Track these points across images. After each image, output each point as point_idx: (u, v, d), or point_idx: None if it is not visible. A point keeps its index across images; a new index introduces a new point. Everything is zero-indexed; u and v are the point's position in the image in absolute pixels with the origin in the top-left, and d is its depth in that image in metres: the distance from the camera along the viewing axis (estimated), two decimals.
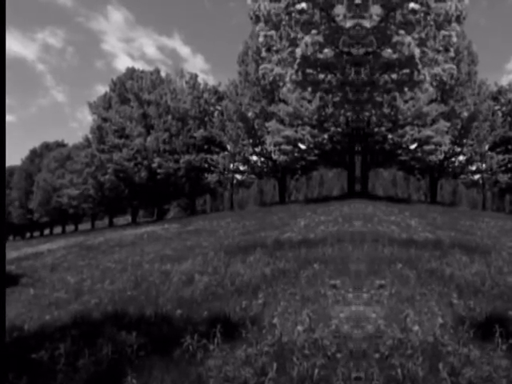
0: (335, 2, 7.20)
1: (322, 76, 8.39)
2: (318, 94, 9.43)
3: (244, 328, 5.43)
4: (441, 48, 8.58)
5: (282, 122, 30.23)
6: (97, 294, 9.73)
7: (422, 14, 7.14)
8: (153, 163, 43.77)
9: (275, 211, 26.72)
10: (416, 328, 4.95)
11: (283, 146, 30.10)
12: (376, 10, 6.48)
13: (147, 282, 9.85)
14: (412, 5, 6.95)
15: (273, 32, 8.28)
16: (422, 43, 7.51)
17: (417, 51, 7.07)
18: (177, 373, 4.55)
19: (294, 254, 10.74)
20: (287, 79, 8.51)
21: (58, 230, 77.69)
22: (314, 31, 7.52)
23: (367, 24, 6.54)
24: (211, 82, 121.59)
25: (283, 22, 7.99)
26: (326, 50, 7.74)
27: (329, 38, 7.57)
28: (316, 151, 31.39)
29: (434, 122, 28.33)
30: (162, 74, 52.00)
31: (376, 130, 27.32)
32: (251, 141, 36.18)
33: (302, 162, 32.82)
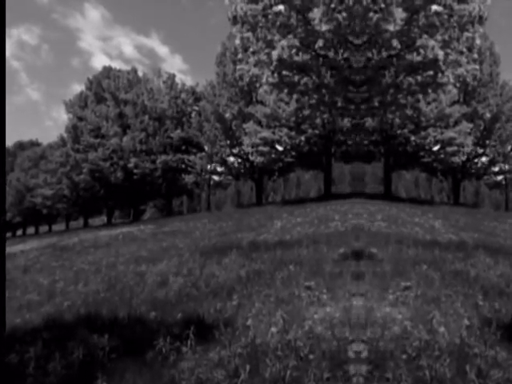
0: (312, 6, 7.20)
1: (297, 78, 8.42)
2: (295, 96, 9.45)
3: (218, 330, 5.41)
4: (464, 49, 8.62)
5: (259, 123, 30.31)
6: (70, 295, 9.59)
7: (446, 16, 7.19)
8: (129, 163, 43.39)
9: (252, 212, 26.74)
10: (442, 329, 4.92)
11: (260, 148, 30.18)
12: (400, 13, 6.51)
13: (121, 284, 9.75)
14: (435, 7, 6.98)
15: (249, 34, 8.28)
16: (445, 45, 7.55)
17: (440, 53, 7.12)
18: (149, 375, 4.52)
19: (269, 255, 10.77)
20: (264, 81, 8.52)
21: (31, 230, 76.29)
22: (290, 35, 7.54)
23: (391, 28, 6.58)
24: (189, 82, 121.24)
25: (260, 24, 7.99)
26: (301, 53, 7.77)
27: (304, 40, 7.60)
28: (293, 153, 31.56)
29: (456, 123, 28.45)
30: (140, 73, 51.70)
31: (399, 132, 27.38)
32: (228, 142, 36.17)
33: (279, 163, 32.93)
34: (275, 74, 8.02)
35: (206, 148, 39.51)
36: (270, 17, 7.78)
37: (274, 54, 7.43)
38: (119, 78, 49.35)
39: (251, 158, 32.79)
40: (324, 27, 6.91)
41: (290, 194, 55.22)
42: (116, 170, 44.82)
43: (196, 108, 45.03)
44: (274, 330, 5.27)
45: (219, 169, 40.73)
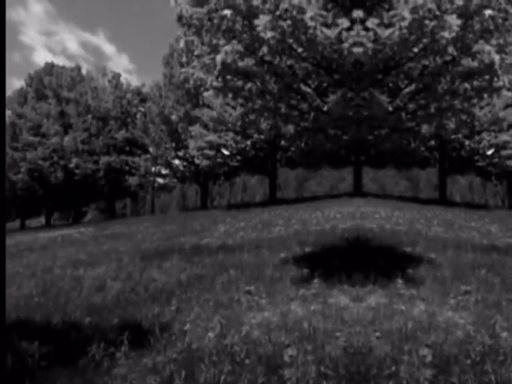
0: (258, 12, 7.24)
1: (242, 83, 8.45)
2: (239, 101, 9.46)
3: (154, 335, 5.34)
4: None
5: (205, 126, 30.18)
6: None
7: (500, 20, 7.28)
8: (70, 163, 42.07)
9: (196, 216, 26.61)
10: (505, 334, 4.95)
11: (206, 151, 30.06)
12: (454, 20, 6.55)
13: (57, 288, 9.43)
14: (489, 12, 7.05)
15: (194, 37, 8.23)
16: (500, 49, 7.63)
17: (497, 58, 7.20)
18: (81, 383, 4.39)
19: (211, 259, 10.75)
20: (208, 85, 8.48)
21: None
22: (234, 40, 7.55)
23: (447, 34, 6.61)
24: (136, 82, 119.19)
25: (205, 28, 7.97)
26: (246, 59, 7.78)
27: (249, 46, 7.63)
28: (239, 157, 31.63)
29: (510, 126, 28.52)
30: (84, 71, 50.29)
31: (453, 137, 27.43)
32: (174, 144, 35.81)
33: (224, 167, 32.91)
34: (219, 79, 8.00)
35: (151, 150, 38.97)
36: (215, 21, 7.76)
37: (218, 58, 7.41)
38: (62, 75, 47.78)
39: (196, 161, 32.61)
40: (269, 34, 6.93)
41: (235, 199, 55.24)
42: (56, 170, 43.33)
43: (141, 109, 44.33)
44: (211, 334, 5.27)
45: (164, 171, 40.28)
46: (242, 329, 5.32)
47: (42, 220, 61.20)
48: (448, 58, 7.62)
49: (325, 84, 9.69)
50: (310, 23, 6.63)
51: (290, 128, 11.25)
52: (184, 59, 9.05)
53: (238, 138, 29.19)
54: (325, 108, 8.97)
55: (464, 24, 6.88)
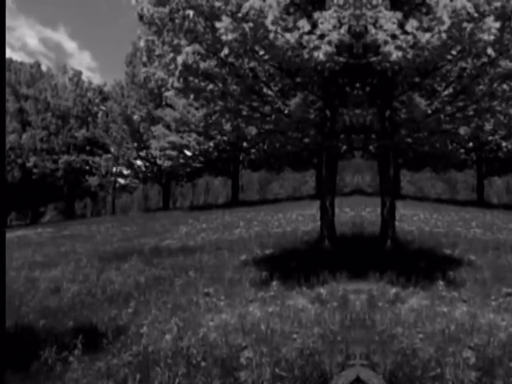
0: (220, 14, 7.22)
1: (203, 85, 8.41)
2: (201, 102, 9.43)
3: (109, 338, 5.25)
4: None
5: (168, 127, 29.93)
6: None
7: None
8: (28, 162, 40.89)
9: (158, 217, 26.36)
10: None
11: (168, 152, 29.82)
12: (492, 22, 6.53)
13: (11, 291, 9.14)
14: None
15: (155, 37, 8.14)
16: None
17: None
18: None
19: (171, 261, 10.66)
20: (169, 85, 8.42)
21: None
22: (196, 41, 7.51)
23: (485, 37, 6.59)
24: (98, 80, 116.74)
25: (167, 28, 7.89)
26: (207, 60, 7.76)
27: (211, 48, 7.61)
28: (201, 158, 31.52)
29: None
30: (43, 67, 49.00)
31: (490, 138, 27.17)
32: (136, 144, 35.36)
33: (187, 168, 32.73)
34: (181, 80, 7.95)
35: (112, 150, 38.37)
36: (176, 21, 7.70)
37: (179, 59, 7.35)
38: (21, 72, 46.44)
39: (159, 161, 32.34)
40: (230, 36, 6.93)
41: (198, 200, 55.04)
42: (13, 169, 42.02)
43: (103, 108, 43.56)
44: (168, 337, 5.21)
45: (125, 172, 39.74)
46: (199, 331, 5.28)
47: None
48: (486, 60, 7.71)
49: (287, 87, 9.79)
50: (271, 27, 6.67)
51: (252, 130, 11.26)
52: (144, 58, 8.91)
53: (201, 139, 29.08)
54: (286, 111, 9.04)
55: (502, 26, 6.90)
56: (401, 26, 6.96)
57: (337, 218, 10.49)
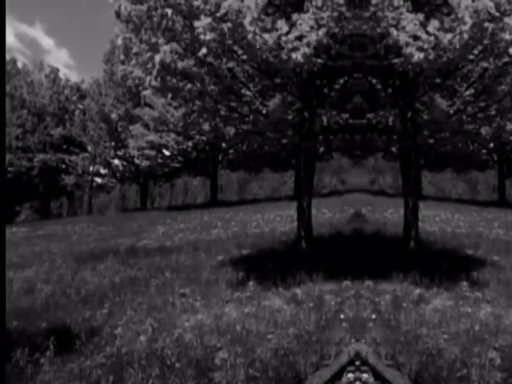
0: (198, 13, 7.19)
1: (181, 84, 8.36)
2: (178, 102, 9.38)
3: (83, 339, 5.18)
4: None
5: (146, 126, 29.67)
6: None
7: None
8: None
9: (135, 217, 26.13)
10: None
11: (146, 151, 29.59)
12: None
13: None
14: None
15: (132, 35, 8.07)
16: None
17: None
18: None
19: (147, 261, 10.58)
20: (147, 84, 8.35)
21: None
22: (174, 40, 7.46)
23: (507, 36, 6.56)
24: (76, 78, 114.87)
25: (144, 26, 7.82)
26: (185, 60, 7.71)
27: (189, 47, 7.57)
28: (180, 158, 31.35)
29: None
30: (19, 64, 48.09)
31: (511, 138, 27.18)
32: (113, 143, 35.01)
33: (165, 168, 32.53)
34: (158, 78, 7.88)
35: (89, 148, 37.93)
36: (154, 19, 7.64)
37: (157, 58, 7.30)
38: None
39: (137, 161, 32.05)
40: (208, 36, 6.90)
41: (176, 200, 54.66)
42: None
43: (80, 106, 42.83)
44: (142, 338, 5.17)
45: (102, 171, 39.35)
46: (174, 332, 5.25)
47: None
48: (508, 60, 7.73)
49: (266, 88, 9.79)
50: (249, 27, 6.66)
51: (231, 130, 11.25)
52: (121, 57, 8.81)
53: (180, 138, 28.90)
54: (264, 111, 9.05)
55: None
56: (422, 26, 7.00)
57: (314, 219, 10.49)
